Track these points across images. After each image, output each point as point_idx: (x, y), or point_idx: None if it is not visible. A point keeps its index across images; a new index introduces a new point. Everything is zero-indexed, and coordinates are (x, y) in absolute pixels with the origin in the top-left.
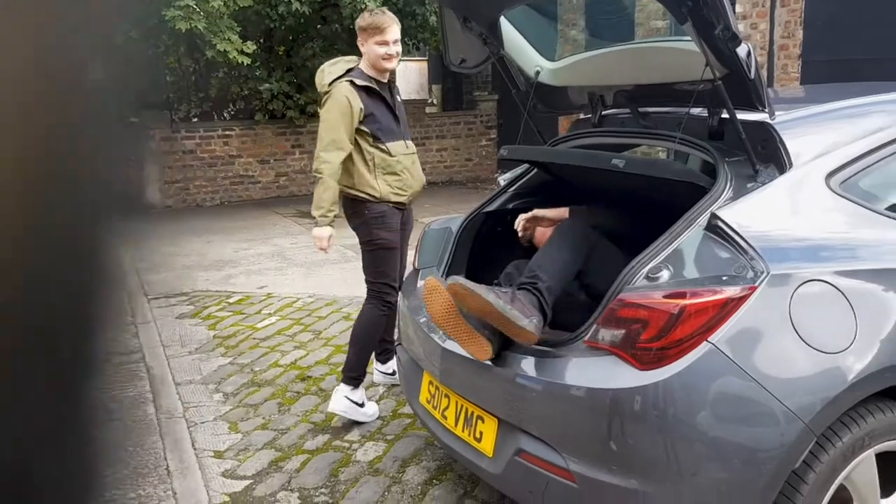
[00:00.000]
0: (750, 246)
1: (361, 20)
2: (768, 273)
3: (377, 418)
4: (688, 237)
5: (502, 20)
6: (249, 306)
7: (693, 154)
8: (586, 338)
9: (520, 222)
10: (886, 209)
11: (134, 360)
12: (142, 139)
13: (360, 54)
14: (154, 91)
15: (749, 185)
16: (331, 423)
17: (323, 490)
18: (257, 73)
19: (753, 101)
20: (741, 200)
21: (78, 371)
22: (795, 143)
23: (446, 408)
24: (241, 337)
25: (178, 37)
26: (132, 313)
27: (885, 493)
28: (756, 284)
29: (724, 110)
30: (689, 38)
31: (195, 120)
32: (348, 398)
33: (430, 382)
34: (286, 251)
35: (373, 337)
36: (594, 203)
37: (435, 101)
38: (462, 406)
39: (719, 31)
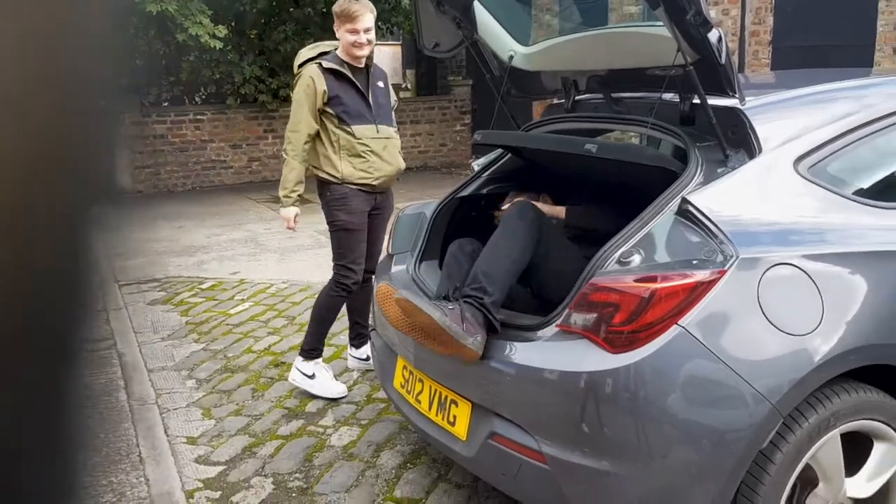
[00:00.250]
0: (720, 230)
1: (336, 6)
2: (737, 257)
3: (351, 403)
4: (659, 222)
5: (476, 4)
6: (222, 292)
7: (665, 139)
8: (558, 322)
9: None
10: (853, 194)
11: (105, 346)
12: (119, 124)
13: (335, 38)
14: (125, 74)
15: (719, 170)
16: (305, 409)
17: (297, 475)
18: (229, 57)
19: (724, 86)
20: (711, 185)
21: (65, 360)
22: (765, 128)
23: (420, 392)
24: (213, 323)
25: (149, 20)
26: (103, 300)
27: (850, 473)
28: (725, 268)
29: (696, 96)
30: (661, 23)
31: (166, 104)
32: (298, 369)
33: (405, 367)
34: (259, 237)
35: (326, 316)
36: (563, 194)
37: (409, 86)
38: (436, 390)
39: (691, 17)
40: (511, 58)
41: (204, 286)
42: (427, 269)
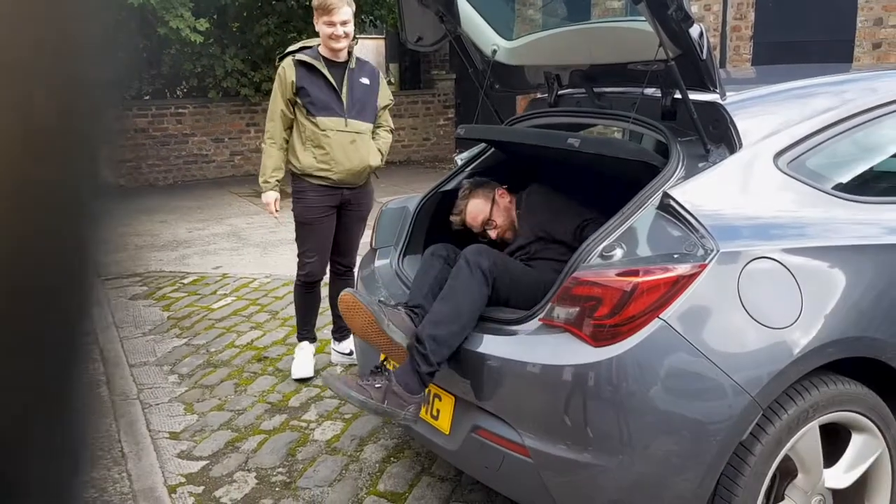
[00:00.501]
0: (700, 224)
1: None
2: (718, 251)
3: (334, 398)
4: (641, 216)
5: None
6: (205, 287)
7: (647, 134)
8: (541, 315)
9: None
10: (832, 188)
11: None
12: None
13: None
14: (114, 69)
15: (700, 165)
16: (288, 404)
17: (280, 469)
18: (211, 51)
19: (705, 81)
20: (692, 180)
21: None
22: (745, 123)
23: None
24: (196, 318)
25: (130, 12)
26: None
27: (828, 464)
28: (706, 262)
29: (677, 90)
30: (643, 18)
31: (147, 98)
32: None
33: (387, 361)
34: (242, 231)
35: (297, 305)
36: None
37: (392, 80)
38: None
39: (672, 12)
40: (494, 52)
41: (186, 281)
42: (410, 264)
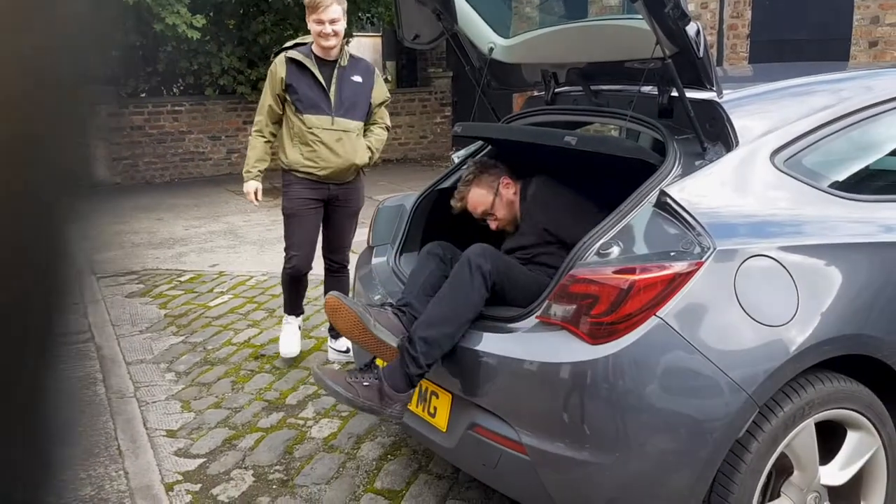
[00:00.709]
0: (697, 222)
1: None
2: (714, 249)
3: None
4: (637, 214)
5: None
6: (201, 284)
7: (644, 132)
8: (538, 313)
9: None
10: (829, 186)
11: (82, 339)
12: (96, 114)
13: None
14: (103, 64)
15: (697, 163)
16: (285, 401)
17: (277, 467)
18: (207, 48)
19: (702, 79)
20: (689, 178)
21: (43, 354)
22: (742, 121)
23: None
24: (193, 316)
25: (126, 9)
26: (80, 292)
27: (824, 461)
28: (703, 260)
29: (674, 89)
30: (640, 16)
31: (143, 95)
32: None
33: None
34: (239, 229)
35: (284, 288)
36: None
37: (389, 78)
38: None
39: (669, 10)
40: (491, 50)
41: (183, 279)
42: (407, 262)
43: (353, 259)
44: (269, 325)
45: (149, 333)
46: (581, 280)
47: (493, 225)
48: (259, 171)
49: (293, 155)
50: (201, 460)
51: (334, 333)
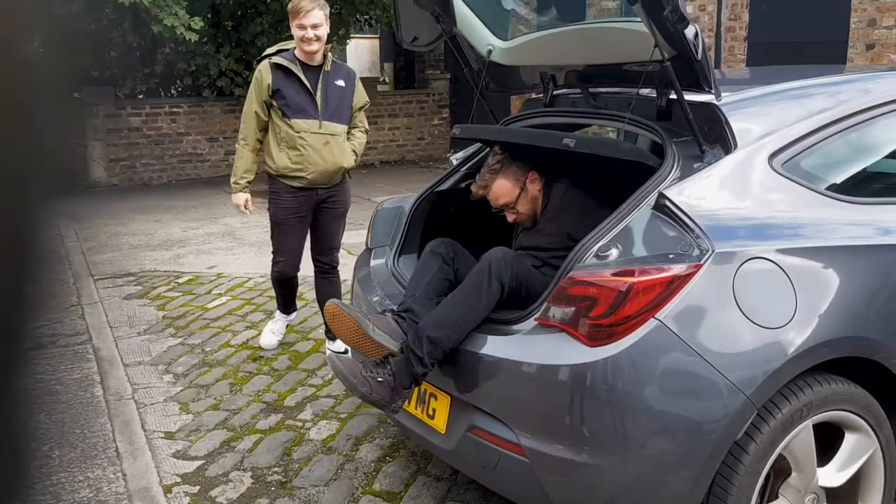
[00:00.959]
0: (696, 224)
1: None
2: (713, 251)
3: (330, 397)
4: (636, 216)
5: None
6: (199, 286)
7: (642, 134)
8: (537, 315)
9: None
10: (826, 189)
11: (80, 341)
12: (82, 115)
13: None
14: (97, 66)
15: (695, 166)
16: (283, 403)
17: (276, 469)
18: (205, 50)
19: (700, 82)
20: (688, 180)
21: (7, 354)
22: (740, 124)
23: None
24: (191, 317)
25: (122, 11)
26: (78, 294)
27: (822, 463)
28: (701, 262)
29: (672, 91)
30: (638, 18)
31: (141, 97)
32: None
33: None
34: (237, 231)
35: (274, 288)
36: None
37: (387, 80)
38: None
39: (667, 13)
40: (489, 52)
41: (181, 280)
42: (406, 264)
43: (350, 260)
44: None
45: (147, 335)
46: (580, 282)
47: (510, 217)
48: (247, 181)
49: (281, 160)
50: (200, 462)
51: (332, 335)
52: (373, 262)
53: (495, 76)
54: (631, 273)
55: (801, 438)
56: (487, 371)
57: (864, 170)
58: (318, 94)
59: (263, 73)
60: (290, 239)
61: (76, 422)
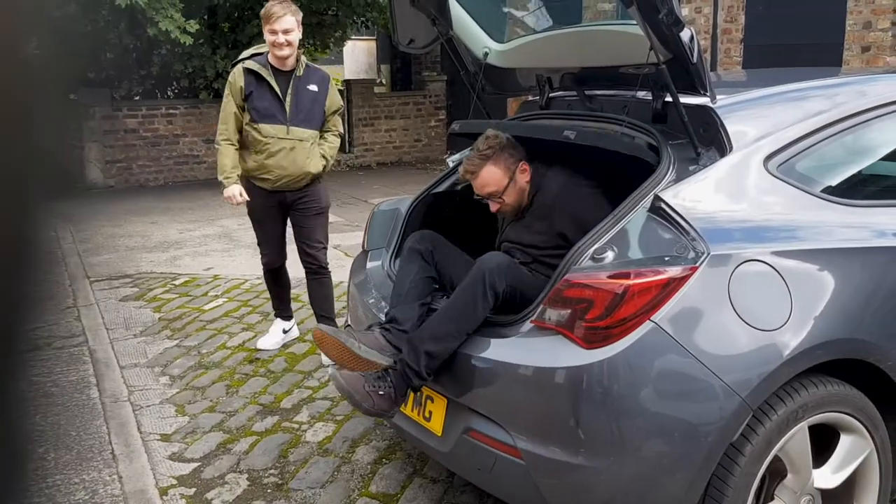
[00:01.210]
0: (691, 227)
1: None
2: (709, 253)
3: (326, 399)
4: (632, 219)
5: (451, 0)
6: (196, 288)
7: (638, 137)
8: (533, 318)
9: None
10: (821, 191)
11: (76, 343)
12: (79, 116)
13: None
14: (93, 67)
15: (691, 168)
16: (279, 405)
17: (272, 471)
18: (201, 51)
19: (696, 84)
20: (683, 183)
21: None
22: (736, 126)
23: None
24: (187, 319)
25: (119, 12)
26: (74, 296)
27: (817, 464)
28: (697, 265)
29: (668, 94)
30: (634, 21)
31: (137, 98)
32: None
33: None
34: (233, 232)
35: (267, 286)
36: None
37: (384, 82)
38: None
39: (663, 16)
40: (486, 54)
41: (177, 282)
42: None
43: (346, 262)
44: (263, 329)
45: (143, 337)
46: (576, 285)
47: (494, 207)
48: (238, 175)
49: (249, 162)
50: (196, 464)
51: None
52: (369, 265)
53: (492, 78)
54: (627, 276)
55: (797, 440)
56: (483, 374)
57: (860, 172)
58: (288, 99)
59: (237, 76)
60: (269, 234)
61: (72, 424)
